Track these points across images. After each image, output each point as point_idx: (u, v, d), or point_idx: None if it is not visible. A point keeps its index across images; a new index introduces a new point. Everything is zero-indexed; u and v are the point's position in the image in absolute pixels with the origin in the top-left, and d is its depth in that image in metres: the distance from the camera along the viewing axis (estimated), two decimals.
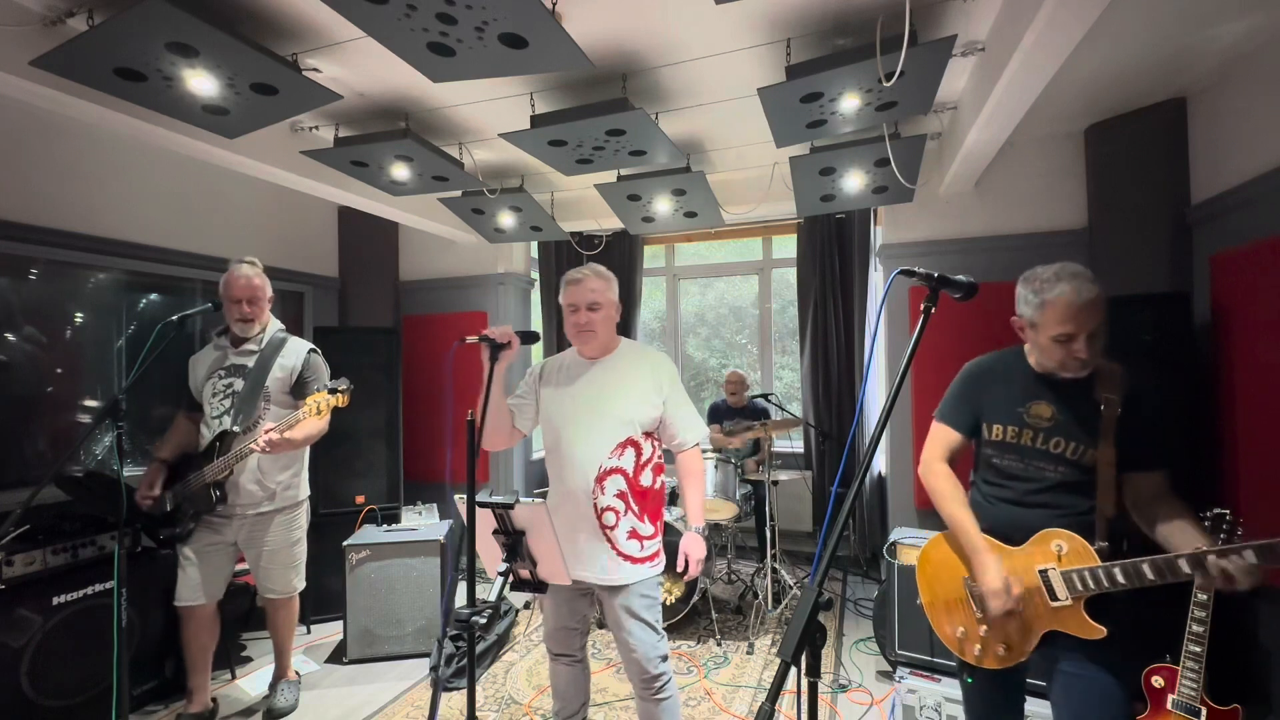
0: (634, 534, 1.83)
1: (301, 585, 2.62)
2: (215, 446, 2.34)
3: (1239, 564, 1.22)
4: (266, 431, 2.26)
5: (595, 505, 1.80)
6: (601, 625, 3.24)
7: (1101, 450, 1.42)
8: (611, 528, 1.81)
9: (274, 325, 2.57)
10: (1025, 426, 1.52)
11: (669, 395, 1.90)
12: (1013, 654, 1.51)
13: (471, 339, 1.67)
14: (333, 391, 2.32)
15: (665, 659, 1.86)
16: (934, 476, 1.65)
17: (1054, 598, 1.44)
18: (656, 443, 1.94)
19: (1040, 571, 1.46)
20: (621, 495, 1.82)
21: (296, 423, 2.31)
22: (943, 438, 1.67)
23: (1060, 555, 1.44)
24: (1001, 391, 1.58)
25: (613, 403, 1.84)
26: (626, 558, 1.82)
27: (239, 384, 2.43)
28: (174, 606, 2.40)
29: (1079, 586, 1.40)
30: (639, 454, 1.85)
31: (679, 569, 1.87)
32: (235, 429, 2.35)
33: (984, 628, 1.55)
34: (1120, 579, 1.35)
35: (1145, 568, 1.33)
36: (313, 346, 2.58)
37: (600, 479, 1.80)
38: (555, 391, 1.92)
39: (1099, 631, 1.38)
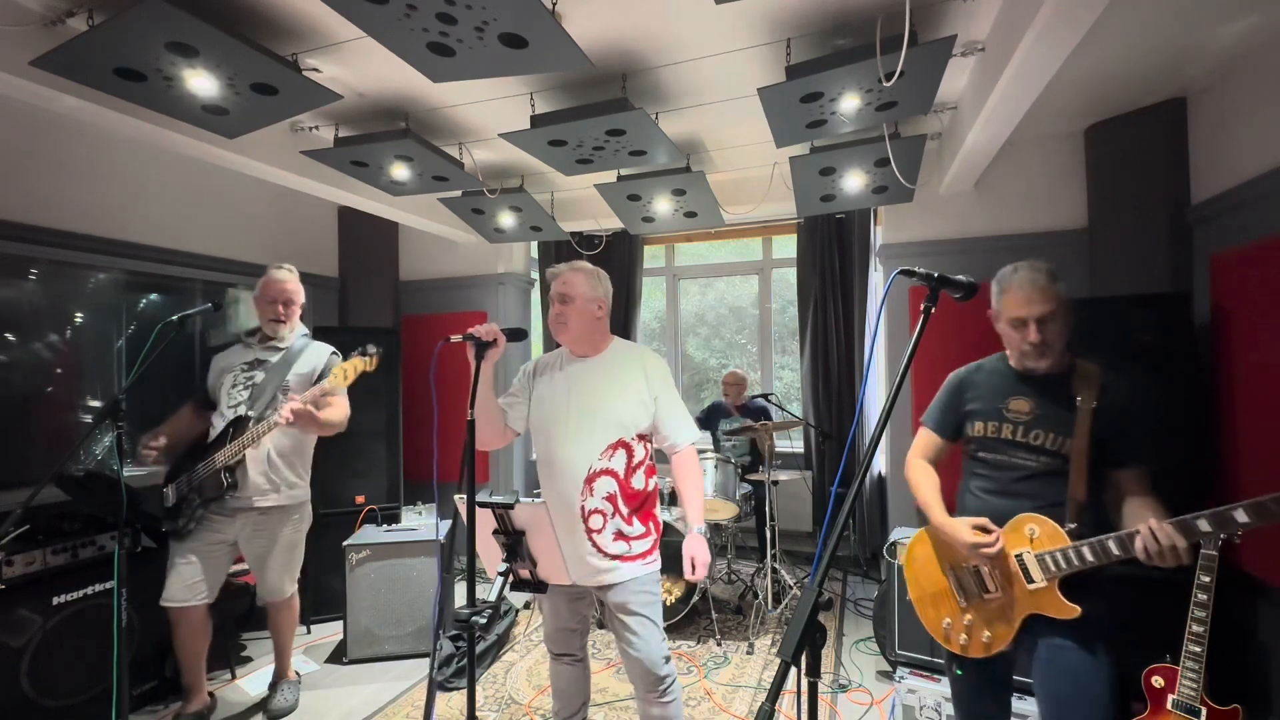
0: (620, 535, 1.80)
1: (293, 589, 2.61)
2: (228, 432, 2.35)
3: (1169, 533, 1.32)
4: (290, 401, 2.25)
5: (583, 508, 1.77)
6: (602, 625, 3.24)
7: (1075, 441, 1.50)
8: (598, 531, 1.78)
9: (299, 328, 2.61)
10: (1005, 421, 1.60)
11: (660, 395, 1.87)
12: (997, 640, 1.56)
13: (456, 338, 1.66)
14: (363, 354, 2.31)
15: (669, 660, 1.84)
16: (911, 469, 1.79)
17: (1030, 580, 1.50)
18: (649, 444, 1.91)
19: (1016, 556, 1.52)
20: (610, 498, 1.79)
21: (323, 394, 2.33)
22: (925, 440, 1.79)
23: (1033, 539, 1.51)
24: (983, 393, 1.68)
25: (603, 403, 1.81)
26: (613, 557, 1.79)
27: (259, 376, 2.45)
28: (163, 607, 2.34)
29: (1052, 567, 1.47)
30: (630, 456, 1.83)
31: (687, 574, 1.84)
32: (250, 414, 2.36)
33: (968, 616, 1.61)
34: (1089, 557, 1.42)
35: (1110, 543, 1.40)
36: (334, 350, 2.60)
37: (589, 481, 1.77)
38: (545, 391, 1.89)
39: (1073, 610, 1.44)
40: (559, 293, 1.84)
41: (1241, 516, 1.27)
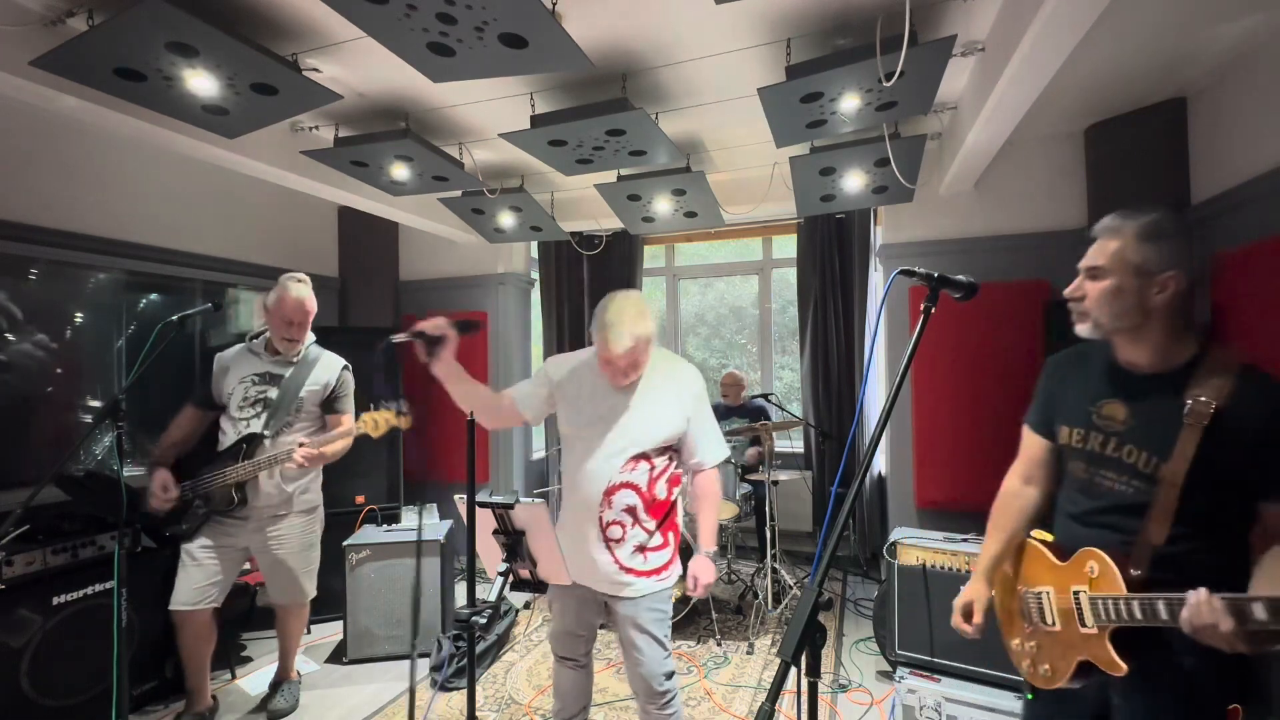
0: (640, 548, 1.80)
1: (313, 593, 2.60)
2: (241, 449, 2.33)
3: (1216, 610, 1.05)
4: (302, 447, 2.29)
5: (600, 519, 1.77)
6: (603, 626, 3.23)
7: (1171, 463, 1.17)
8: (618, 541, 1.77)
9: (309, 337, 2.56)
10: (1093, 429, 1.31)
11: (694, 414, 1.84)
12: (1056, 676, 1.36)
13: (400, 337, 1.58)
14: (399, 413, 2.32)
15: (671, 676, 1.83)
16: (999, 495, 1.50)
17: (1083, 623, 1.28)
18: (674, 454, 1.88)
19: (1074, 592, 1.31)
20: (630, 510, 1.77)
21: (338, 439, 2.36)
22: (1027, 443, 1.50)
23: (1091, 577, 1.27)
24: (1074, 386, 1.37)
25: (633, 418, 1.78)
26: (630, 571, 1.79)
27: (273, 392, 2.42)
28: (169, 611, 2.33)
29: (1102, 615, 1.24)
30: (652, 468, 1.80)
31: (688, 589, 1.85)
32: (265, 433, 2.36)
33: (1031, 643, 1.42)
34: (1138, 614, 1.17)
35: (1160, 605, 1.14)
36: (346, 363, 2.60)
37: (609, 493, 1.76)
38: (575, 399, 1.84)
39: (1119, 668, 1.21)
40: (633, 363, 1.72)
41: None
